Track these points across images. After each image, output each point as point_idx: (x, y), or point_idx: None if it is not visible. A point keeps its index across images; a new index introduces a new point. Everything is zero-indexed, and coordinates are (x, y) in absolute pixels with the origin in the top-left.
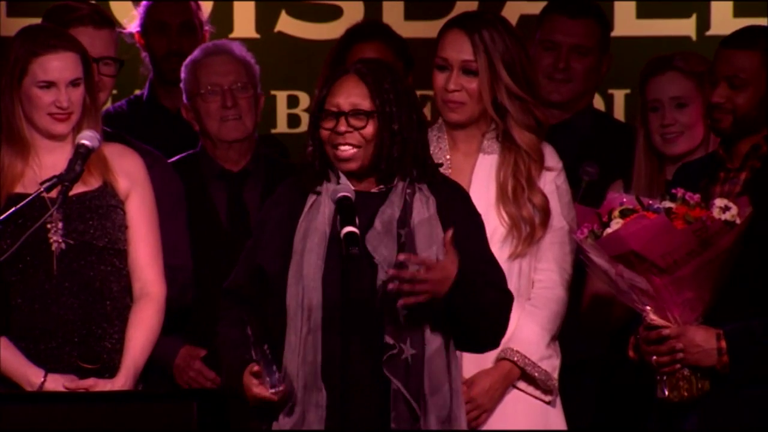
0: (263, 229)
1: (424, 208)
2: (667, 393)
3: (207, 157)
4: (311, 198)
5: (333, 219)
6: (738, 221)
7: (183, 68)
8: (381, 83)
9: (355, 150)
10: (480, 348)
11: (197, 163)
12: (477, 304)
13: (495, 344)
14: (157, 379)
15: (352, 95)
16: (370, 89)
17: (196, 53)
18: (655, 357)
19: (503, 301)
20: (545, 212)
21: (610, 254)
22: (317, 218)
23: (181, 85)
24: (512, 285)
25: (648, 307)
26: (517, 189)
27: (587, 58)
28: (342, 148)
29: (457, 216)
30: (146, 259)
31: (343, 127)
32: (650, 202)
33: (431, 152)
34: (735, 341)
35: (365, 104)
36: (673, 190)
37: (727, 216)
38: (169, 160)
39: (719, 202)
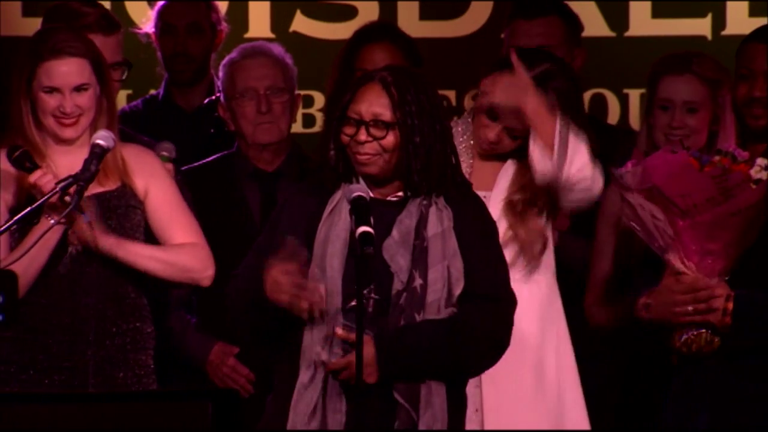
0: (277, 231)
1: (438, 222)
2: (677, 345)
3: (241, 156)
4: (331, 203)
5: (352, 225)
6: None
7: (221, 67)
8: (404, 94)
9: (372, 157)
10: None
11: (232, 163)
12: (432, 359)
13: (494, 363)
14: (188, 377)
15: (374, 105)
16: (393, 100)
17: (234, 54)
18: (691, 307)
19: (476, 323)
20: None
21: (638, 187)
22: (338, 224)
23: (218, 83)
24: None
25: (669, 251)
26: (525, 204)
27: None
28: (361, 154)
29: (468, 227)
30: (184, 232)
31: (363, 137)
32: (695, 150)
33: (455, 145)
34: (742, 306)
35: (387, 115)
36: (725, 144)
37: (762, 175)
38: (206, 160)
39: (761, 161)
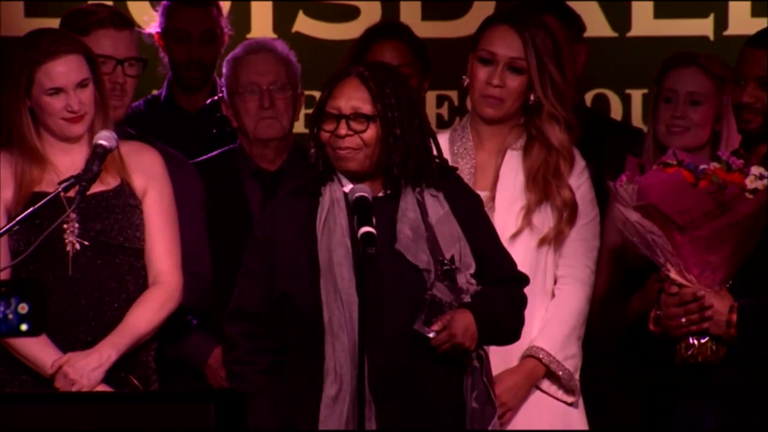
0: (272, 251)
1: (437, 206)
2: (683, 355)
3: (244, 154)
4: (321, 211)
5: (350, 229)
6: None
7: (224, 64)
8: (383, 87)
9: (353, 151)
10: (504, 344)
11: (234, 160)
12: (501, 325)
13: (517, 338)
14: (188, 378)
15: (353, 98)
16: (372, 93)
17: (238, 50)
18: (684, 318)
19: (519, 298)
20: (573, 209)
21: (634, 204)
22: (336, 231)
23: (222, 79)
24: (537, 282)
25: (669, 265)
26: (547, 179)
27: None
28: (340, 149)
29: (463, 208)
30: (161, 251)
31: (343, 131)
32: (689, 160)
33: (455, 151)
34: (746, 317)
35: (366, 108)
36: (719, 153)
37: (758, 184)
38: (209, 155)
39: (755, 170)
